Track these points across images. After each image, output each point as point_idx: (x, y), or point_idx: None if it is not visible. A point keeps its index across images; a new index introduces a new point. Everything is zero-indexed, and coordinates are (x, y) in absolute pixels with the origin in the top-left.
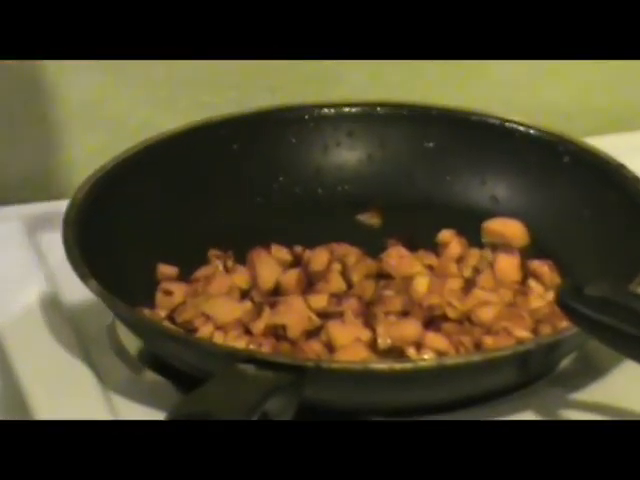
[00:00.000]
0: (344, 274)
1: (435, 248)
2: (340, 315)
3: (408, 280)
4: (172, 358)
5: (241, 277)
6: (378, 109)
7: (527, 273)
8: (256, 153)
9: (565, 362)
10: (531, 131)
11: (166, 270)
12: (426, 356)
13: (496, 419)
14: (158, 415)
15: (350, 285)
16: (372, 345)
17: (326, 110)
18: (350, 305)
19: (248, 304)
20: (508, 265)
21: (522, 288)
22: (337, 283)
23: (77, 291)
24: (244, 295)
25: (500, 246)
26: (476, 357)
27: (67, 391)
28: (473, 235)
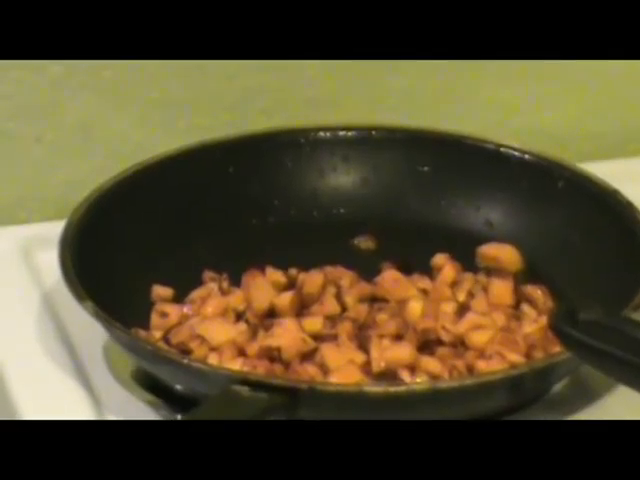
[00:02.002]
0: (338, 297)
1: (429, 272)
2: (334, 338)
3: (402, 303)
4: (167, 379)
5: (236, 299)
6: (373, 133)
7: (521, 298)
8: (252, 176)
9: (558, 387)
10: (526, 156)
11: (161, 291)
12: (419, 379)
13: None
14: None
15: (344, 308)
16: (366, 368)
17: (322, 134)
18: (344, 328)
19: (243, 326)
20: (502, 289)
21: (515, 313)
22: (331, 306)
23: (73, 312)
24: (239, 317)
25: (494, 270)
26: (469, 381)
27: (62, 410)
28: (467, 259)
